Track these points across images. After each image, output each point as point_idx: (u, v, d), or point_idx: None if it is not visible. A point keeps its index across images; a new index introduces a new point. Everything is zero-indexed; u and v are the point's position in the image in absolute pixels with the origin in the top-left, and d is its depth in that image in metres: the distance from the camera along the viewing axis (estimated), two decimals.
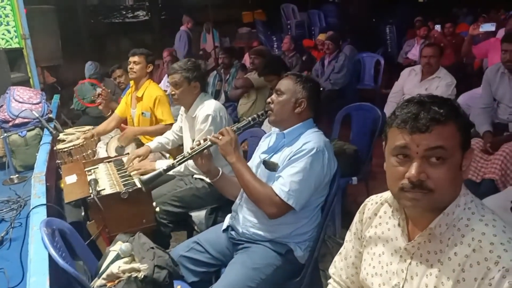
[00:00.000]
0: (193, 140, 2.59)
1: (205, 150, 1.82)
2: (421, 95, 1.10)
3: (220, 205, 2.43)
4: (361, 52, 6.78)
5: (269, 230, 1.84)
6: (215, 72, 5.32)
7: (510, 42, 2.96)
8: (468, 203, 1.08)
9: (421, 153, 1.02)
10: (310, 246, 1.88)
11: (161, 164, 2.50)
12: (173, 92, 2.57)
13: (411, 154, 1.03)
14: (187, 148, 2.68)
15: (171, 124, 3.06)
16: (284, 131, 1.87)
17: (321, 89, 5.25)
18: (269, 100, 1.87)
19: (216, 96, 5.03)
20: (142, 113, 3.29)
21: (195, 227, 2.48)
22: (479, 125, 3.23)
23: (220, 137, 1.80)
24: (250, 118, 1.87)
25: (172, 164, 1.78)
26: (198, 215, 2.48)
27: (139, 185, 2.01)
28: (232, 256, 1.90)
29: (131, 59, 3.31)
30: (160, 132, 3.02)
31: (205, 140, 1.84)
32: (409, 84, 3.92)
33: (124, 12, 14.68)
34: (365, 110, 3.25)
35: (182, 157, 1.79)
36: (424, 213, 1.09)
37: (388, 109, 3.88)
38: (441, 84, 3.74)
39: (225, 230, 2.00)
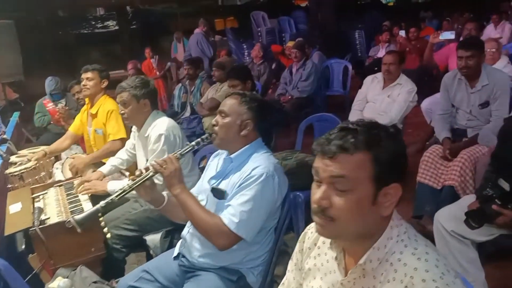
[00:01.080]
0: (147, 160, 2.51)
1: (147, 181, 1.71)
2: (354, 121, 1.05)
3: (176, 227, 2.35)
4: (329, 59, 6.81)
5: (220, 258, 1.76)
6: (180, 84, 5.24)
7: (465, 49, 2.97)
8: (401, 234, 1.03)
9: (327, 179, 0.98)
10: (263, 270, 1.82)
11: (113, 186, 2.41)
12: (122, 111, 2.48)
13: (320, 179, 1.00)
14: (141, 167, 2.60)
15: (122, 139, 2.95)
16: (231, 156, 1.80)
17: (289, 97, 5.38)
18: (213, 122, 1.80)
19: (182, 108, 4.95)
20: (96, 130, 3.19)
21: (150, 251, 2.39)
22: (439, 132, 3.25)
23: (164, 166, 1.70)
24: (194, 143, 1.79)
25: (111, 199, 1.67)
26: (153, 239, 2.39)
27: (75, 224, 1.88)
28: (183, 284, 1.83)
29: (84, 75, 3.20)
30: (112, 151, 2.92)
31: (146, 169, 1.74)
32: (372, 91, 3.92)
33: (94, 23, 14.46)
34: (327, 121, 3.23)
35: (122, 190, 1.68)
36: (353, 245, 1.05)
37: (353, 117, 3.88)
38: (403, 91, 3.75)
39: (176, 257, 1.92)
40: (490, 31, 7.66)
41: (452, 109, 3.24)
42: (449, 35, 4.46)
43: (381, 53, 7.41)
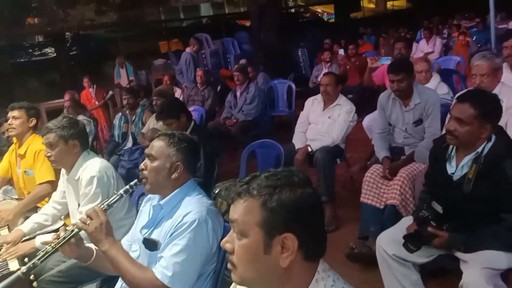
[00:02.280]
0: (79, 205, 2.36)
1: (72, 238, 1.57)
2: (270, 170, 1.03)
3: (112, 276, 2.21)
4: (273, 79, 6.88)
5: None
6: (120, 113, 5.07)
7: (395, 73, 3.06)
8: (329, 287, 0.99)
9: (230, 223, 1.01)
10: None
11: (43, 239, 2.24)
12: (48, 154, 2.32)
13: None
14: (73, 214, 2.44)
15: (51, 182, 2.78)
16: (161, 202, 1.71)
17: (235, 120, 5.34)
18: (141, 166, 1.71)
19: (124, 139, 4.78)
20: (25, 171, 2.98)
21: None
22: (378, 151, 3.31)
23: (88, 222, 1.57)
24: (122, 191, 1.67)
25: (33, 263, 1.51)
26: None
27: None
28: None
29: (10, 114, 3.00)
30: (42, 195, 2.73)
31: (73, 224, 1.61)
32: (314, 113, 3.96)
33: (31, 50, 13.89)
34: (268, 147, 3.21)
35: (44, 252, 1.53)
36: None
37: (296, 139, 3.90)
38: (342, 111, 3.82)
39: None
40: (423, 46, 8.08)
41: (389, 128, 3.32)
42: (386, 60, 4.66)
43: (324, 72, 7.60)
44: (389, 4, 23.72)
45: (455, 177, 2.01)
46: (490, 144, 1.93)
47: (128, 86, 7.74)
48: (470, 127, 1.90)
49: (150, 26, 15.29)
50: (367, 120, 4.61)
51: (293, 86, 6.48)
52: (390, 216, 2.92)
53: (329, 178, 3.59)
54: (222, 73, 8.48)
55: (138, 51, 8.68)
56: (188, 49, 7.84)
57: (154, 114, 4.61)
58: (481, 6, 13.21)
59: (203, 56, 9.78)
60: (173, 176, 1.69)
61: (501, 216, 1.87)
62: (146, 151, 1.73)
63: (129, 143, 4.66)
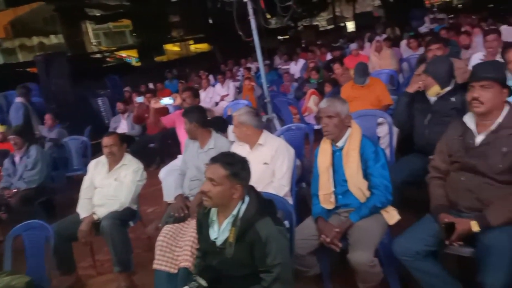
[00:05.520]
0: None
1: None
2: None
3: None
4: (69, 135, 6.29)
5: None
6: None
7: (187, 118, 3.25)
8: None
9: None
10: None
11: None
12: None
13: None
14: None
15: None
16: None
17: (15, 190, 4.61)
18: None
19: None
20: None
21: None
22: (170, 194, 3.26)
23: None
24: None
25: None
26: None
27: None
28: None
29: None
30: None
31: None
32: (98, 176, 3.66)
33: None
34: (36, 229, 2.76)
35: None
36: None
37: (80, 207, 3.52)
38: (129, 171, 3.62)
39: None
40: (218, 89, 8.55)
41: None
42: (168, 100, 4.67)
43: (122, 124, 7.30)
44: (192, 47, 24.93)
45: (218, 242, 1.99)
46: (244, 205, 1.98)
47: None
48: (223, 186, 1.93)
49: None
50: (163, 172, 4.49)
51: (88, 141, 6.01)
52: (183, 278, 2.81)
53: (120, 246, 3.31)
54: None
55: None
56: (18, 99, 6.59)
57: None
58: (270, 50, 14.94)
59: None
60: None
61: (260, 276, 1.90)
62: None
63: None
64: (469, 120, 2.29)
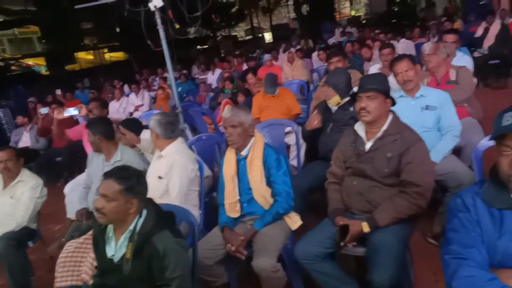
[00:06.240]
0: None
1: None
2: None
3: None
4: None
5: None
6: None
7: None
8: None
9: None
10: None
11: None
12: None
13: None
14: None
15: None
16: None
17: None
18: None
19: None
20: None
21: None
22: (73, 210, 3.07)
23: None
24: None
25: None
26: None
27: None
28: None
29: None
30: None
31: None
32: None
33: None
34: None
35: None
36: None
37: None
38: (26, 188, 3.37)
39: None
40: (133, 99, 8.30)
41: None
42: (73, 111, 4.46)
43: (25, 137, 6.81)
44: (107, 55, 23.95)
45: (116, 259, 1.93)
46: (142, 220, 1.94)
47: None
48: (117, 202, 1.88)
49: None
50: (69, 187, 4.25)
51: None
52: None
53: (16, 269, 3.08)
54: None
55: None
56: None
57: None
58: (188, 60, 14.83)
59: None
60: None
61: None
62: None
63: None
64: (359, 128, 2.47)
